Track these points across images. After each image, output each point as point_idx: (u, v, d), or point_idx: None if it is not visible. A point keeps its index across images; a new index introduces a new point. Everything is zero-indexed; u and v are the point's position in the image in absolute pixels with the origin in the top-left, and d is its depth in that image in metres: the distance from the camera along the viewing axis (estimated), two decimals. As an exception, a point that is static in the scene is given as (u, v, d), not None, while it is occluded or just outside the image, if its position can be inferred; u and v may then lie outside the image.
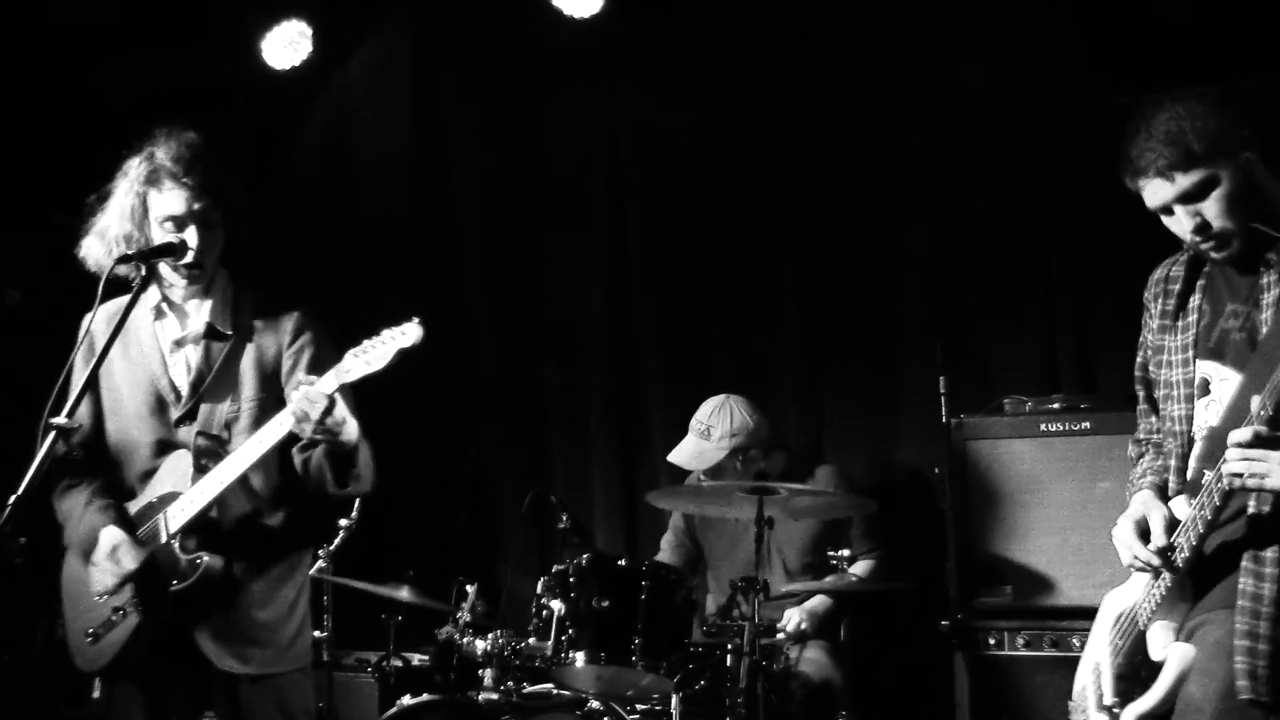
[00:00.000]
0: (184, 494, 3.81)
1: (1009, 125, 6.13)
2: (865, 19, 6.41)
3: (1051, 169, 6.02)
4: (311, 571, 5.53)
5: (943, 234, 6.27)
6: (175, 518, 3.80)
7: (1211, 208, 3.21)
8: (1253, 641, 3.05)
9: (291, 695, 3.96)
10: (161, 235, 3.86)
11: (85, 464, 3.97)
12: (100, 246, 3.91)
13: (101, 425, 4.00)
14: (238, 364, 3.94)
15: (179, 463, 3.87)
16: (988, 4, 6.16)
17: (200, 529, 3.80)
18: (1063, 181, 5.97)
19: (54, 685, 4.04)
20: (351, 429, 3.78)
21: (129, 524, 3.87)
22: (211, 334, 3.96)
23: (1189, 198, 3.21)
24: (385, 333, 3.74)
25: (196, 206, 3.85)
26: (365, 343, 3.73)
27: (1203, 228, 3.23)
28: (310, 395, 3.63)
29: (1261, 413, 3.00)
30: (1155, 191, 3.24)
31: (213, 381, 3.92)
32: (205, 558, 3.78)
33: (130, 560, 3.78)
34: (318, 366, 3.95)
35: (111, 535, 3.82)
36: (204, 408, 3.91)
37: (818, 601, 5.60)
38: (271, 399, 3.96)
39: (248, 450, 3.75)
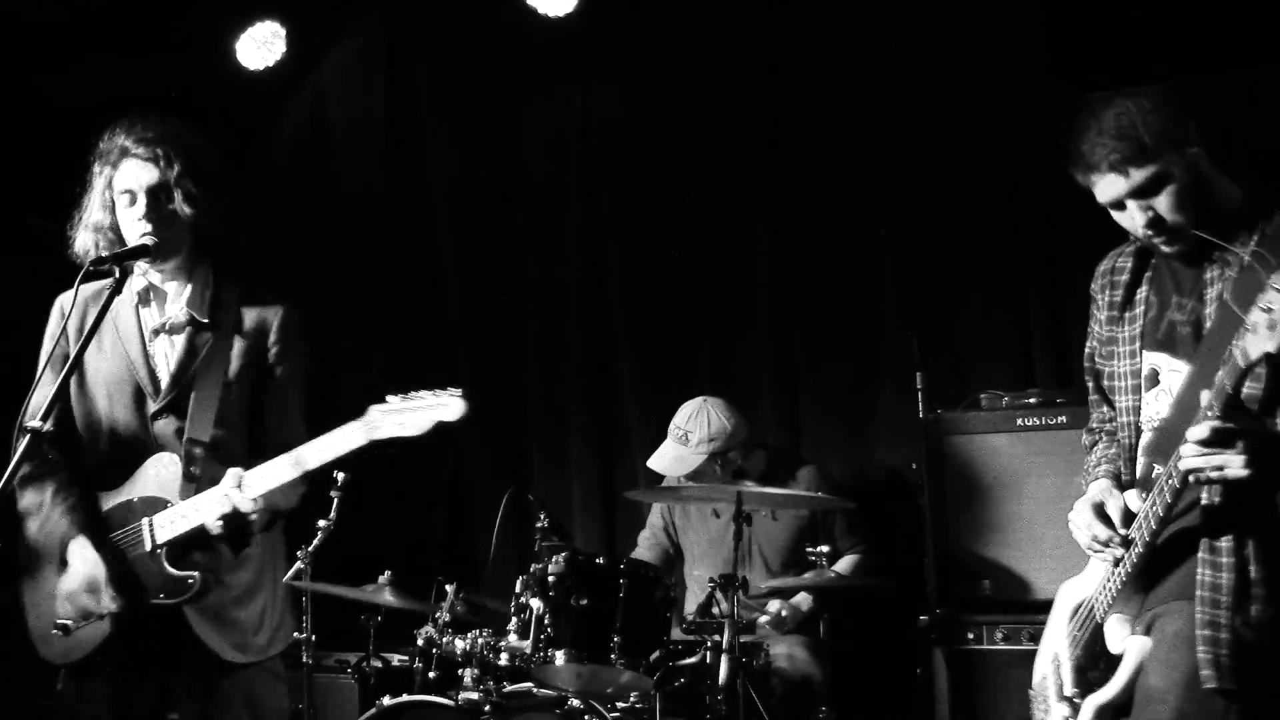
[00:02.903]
0: (174, 505, 3.71)
1: (983, 123, 6.16)
2: (839, 16, 6.42)
3: (1025, 165, 6.04)
4: (290, 574, 5.58)
5: (918, 231, 6.30)
6: (163, 529, 3.71)
7: (1164, 202, 3.23)
8: (1214, 631, 3.09)
9: (263, 693, 3.89)
10: (122, 212, 3.80)
11: (53, 451, 3.85)
12: (87, 237, 3.87)
13: (69, 409, 3.89)
14: (222, 358, 3.85)
15: (166, 467, 3.77)
16: (960, 2, 6.19)
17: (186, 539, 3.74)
18: (1036, 178, 6.00)
19: (17, 672, 3.94)
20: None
21: (101, 525, 3.77)
22: (193, 324, 3.89)
23: (1142, 192, 3.23)
24: (424, 396, 3.63)
25: (146, 179, 3.77)
26: (398, 401, 3.63)
27: (1155, 222, 3.25)
28: (236, 501, 3.60)
29: (1209, 411, 3.03)
30: (1109, 186, 3.26)
31: (197, 376, 3.84)
32: (199, 577, 3.69)
33: (111, 603, 3.67)
34: (289, 384, 3.94)
35: (86, 561, 3.70)
36: (192, 405, 3.81)
37: (803, 598, 5.62)
38: (257, 394, 3.92)
39: (261, 481, 3.66)
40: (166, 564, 3.72)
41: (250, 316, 3.94)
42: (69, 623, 3.72)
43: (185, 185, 3.81)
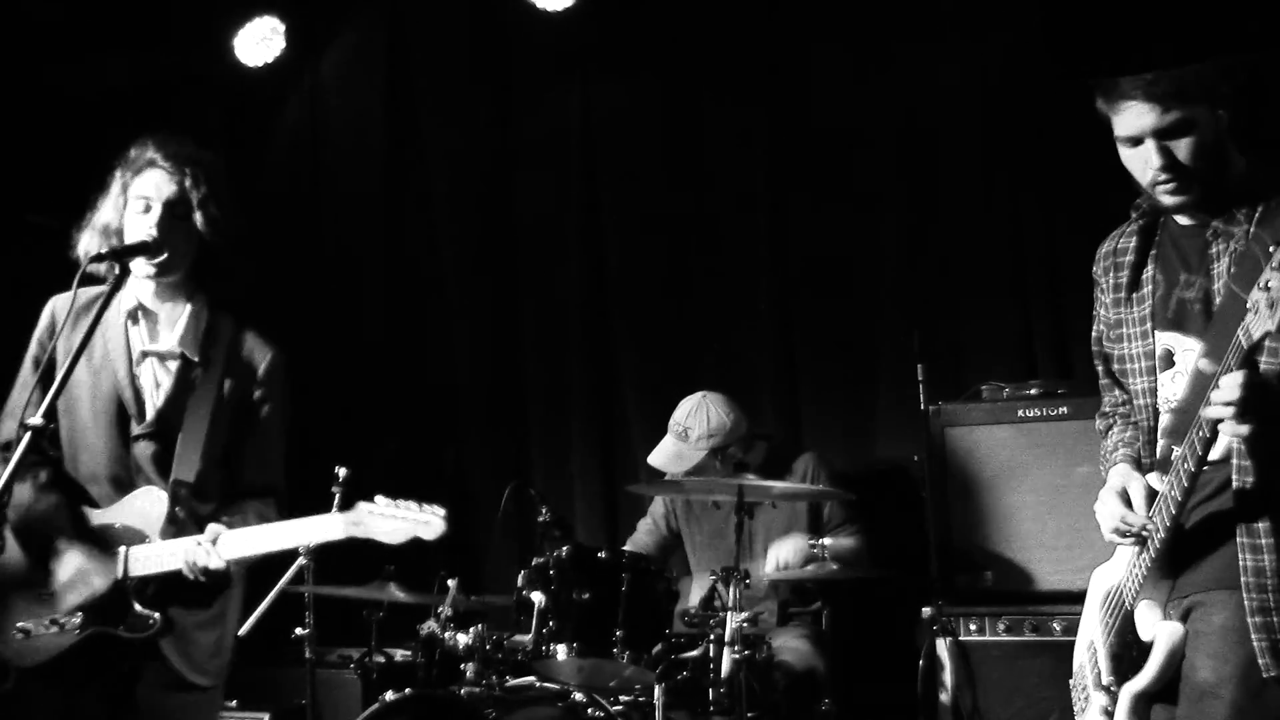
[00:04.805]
0: (154, 543, 3.74)
1: (982, 114, 6.15)
2: (839, 11, 6.42)
3: (1025, 157, 6.03)
4: (292, 571, 5.57)
5: (917, 223, 6.29)
6: (139, 563, 3.73)
7: (1184, 148, 3.21)
8: (1266, 617, 3.07)
9: (212, 711, 3.96)
10: (132, 217, 3.82)
11: (54, 449, 3.87)
12: (91, 239, 3.88)
13: (55, 418, 3.86)
14: (209, 397, 3.87)
15: (153, 505, 3.78)
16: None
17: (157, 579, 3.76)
18: (1036, 168, 5.99)
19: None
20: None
21: (91, 536, 3.80)
22: (184, 360, 3.90)
23: (1167, 133, 3.21)
24: (411, 508, 3.70)
25: (167, 190, 3.80)
26: (385, 506, 3.70)
27: (1171, 165, 3.23)
28: (206, 558, 3.65)
29: (1231, 364, 3.00)
30: (1137, 116, 3.22)
31: (185, 413, 3.86)
32: (159, 620, 3.72)
33: (101, 582, 3.74)
34: (270, 432, 3.97)
35: (77, 556, 3.76)
36: (179, 445, 3.83)
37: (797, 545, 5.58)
38: (238, 436, 3.93)
39: (238, 546, 3.71)
40: (133, 598, 3.74)
41: (240, 357, 3.96)
42: (30, 626, 3.74)
43: (207, 206, 3.85)
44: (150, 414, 3.87)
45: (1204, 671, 3.15)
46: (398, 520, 3.68)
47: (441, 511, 3.70)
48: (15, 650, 3.79)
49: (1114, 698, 3.34)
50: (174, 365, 3.91)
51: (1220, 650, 3.14)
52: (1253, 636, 3.08)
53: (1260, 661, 3.06)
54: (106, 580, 3.74)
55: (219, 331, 3.97)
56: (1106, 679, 3.40)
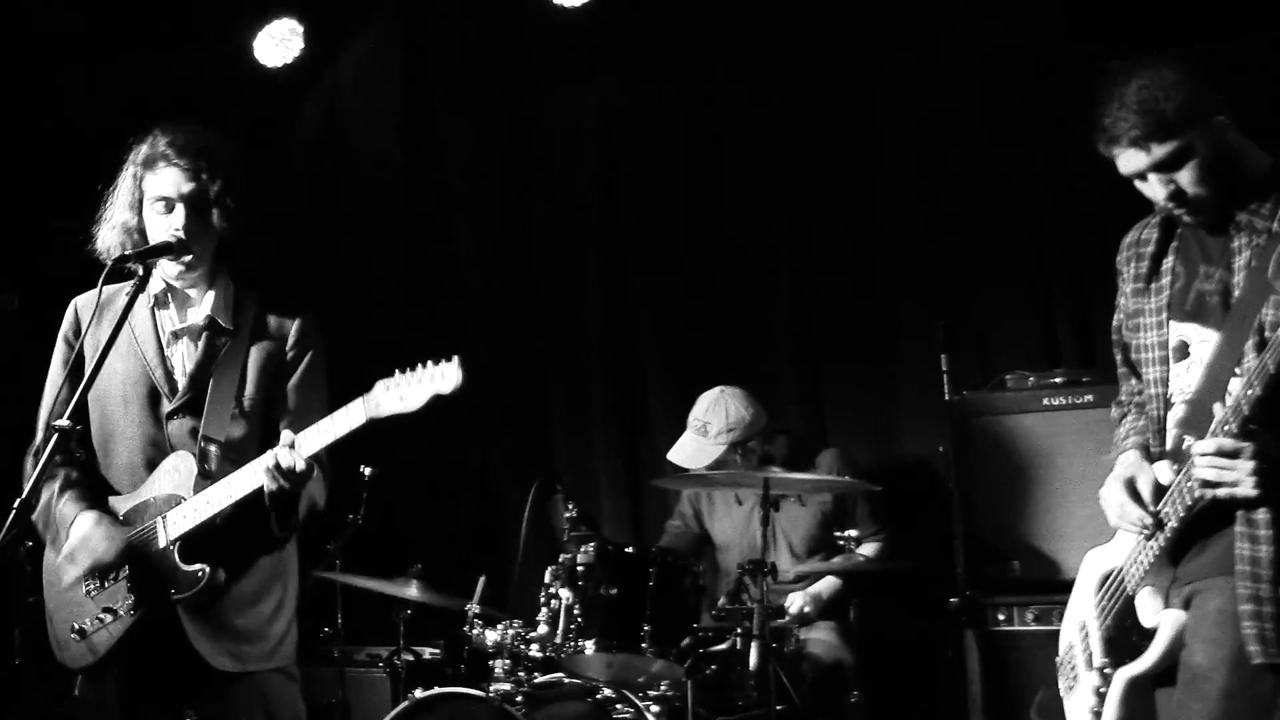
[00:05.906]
0: (187, 500, 3.74)
1: (1001, 101, 6.13)
2: (855, 4, 6.40)
3: (1045, 143, 6.01)
4: (321, 569, 5.60)
5: (938, 213, 6.27)
6: (176, 524, 3.73)
7: (1186, 176, 3.22)
8: (1257, 605, 3.08)
9: (276, 697, 3.89)
10: (153, 218, 3.82)
11: (80, 450, 3.89)
12: (111, 235, 3.88)
13: (85, 413, 3.88)
14: (241, 361, 3.87)
15: (181, 464, 3.79)
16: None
17: (195, 535, 3.74)
18: (1057, 155, 5.97)
19: (36, 678, 3.96)
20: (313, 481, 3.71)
21: (112, 518, 3.81)
22: (213, 328, 3.91)
23: (1163, 167, 3.22)
24: (422, 370, 3.54)
25: (186, 188, 3.80)
26: (400, 376, 3.56)
27: (1177, 195, 3.24)
28: (291, 459, 3.58)
29: (1226, 427, 3.05)
30: (1129, 160, 3.24)
31: (216, 378, 3.86)
32: (208, 570, 3.70)
33: (106, 546, 3.72)
34: (307, 388, 3.93)
35: (83, 523, 3.76)
36: (207, 406, 3.83)
37: (822, 585, 5.61)
38: (273, 399, 3.91)
39: (313, 440, 3.64)
40: (178, 559, 3.74)
41: (269, 322, 3.96)
42: (86, 627, 3.76)
43: (223, 201, 3.85)
44: (182, 386, 3.87)
45: (1198, 655, 3.18)
46: (411, 385, 3.53)
47: (456, 362, 3.51)
48: (73, 654, 3.83)
49: (1107, 679, 3.36)
50: (202, 337, 3.91)
51: (1214, 635, 3.16)
52: (1242, 624, 3.09)
53: (1248, 649, 3.08)
54: (113, 545, 3.73)
55: (245, 302, 3.97)
56: (1099, 660, 3.42)
